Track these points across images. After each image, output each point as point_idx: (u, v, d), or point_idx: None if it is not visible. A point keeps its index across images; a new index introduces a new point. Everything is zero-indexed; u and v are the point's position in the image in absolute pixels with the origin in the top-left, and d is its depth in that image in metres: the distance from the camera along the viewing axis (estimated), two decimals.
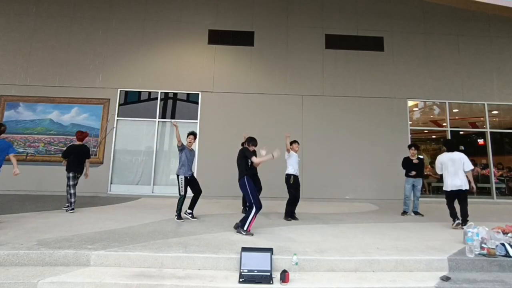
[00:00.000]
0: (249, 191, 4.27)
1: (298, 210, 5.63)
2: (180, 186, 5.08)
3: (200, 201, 5.34)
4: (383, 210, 6.70)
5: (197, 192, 5.21)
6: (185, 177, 5.09)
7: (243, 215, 5.45)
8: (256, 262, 3.07)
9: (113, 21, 8.81)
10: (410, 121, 8.77)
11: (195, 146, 7.86)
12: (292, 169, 5.43)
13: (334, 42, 8.96)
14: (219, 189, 7.75)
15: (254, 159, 4.45)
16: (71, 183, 5.67)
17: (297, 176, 5.50)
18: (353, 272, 3.21)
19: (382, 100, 8.75)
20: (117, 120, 8.39)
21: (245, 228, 4.14)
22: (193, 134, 5.34)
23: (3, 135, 4.78)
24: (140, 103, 8.62)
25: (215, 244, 3.62)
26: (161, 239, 3.78)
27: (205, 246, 3.52)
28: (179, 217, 5.07)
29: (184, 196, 5.11)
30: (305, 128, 8.50)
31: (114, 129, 8.33)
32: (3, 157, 4.57)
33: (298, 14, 9.07)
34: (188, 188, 5.19)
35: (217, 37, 8.82)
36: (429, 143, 11.12)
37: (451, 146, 5.19)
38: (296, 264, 3.05)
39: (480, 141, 9.21)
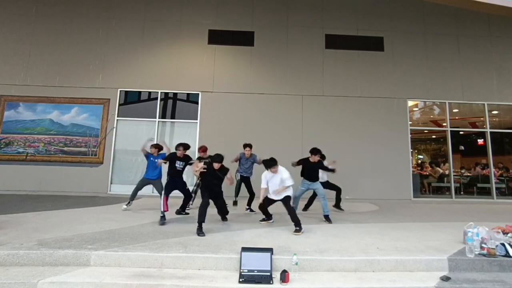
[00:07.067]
0: None
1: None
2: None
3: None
4: (383, 210, 6.69)
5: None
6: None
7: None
8: (256, 262, 3.07)
9: (113, 21, 8.81)
10: (410, 121, 8.75)
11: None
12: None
13: (334, 42, 8.96)
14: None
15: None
16: None
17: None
18: (353, 272, 3.21)
19: (382, 100, 8.75)
20: (117, 120, 8.39)
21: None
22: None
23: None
24: (140, 103, 8.62)
25: (215, 244, 3.62)
26: (161, 239, 3.77)
27: (205, 246, 3.52)
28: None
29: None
30: (305, 128, 8.49)
31: (114, 129, 8.33)
32: None
33: (298, 14, 9.07)
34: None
35: (217, 37, 8.82)
36: (429, 143, 11.13)
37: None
38: (296, 264, 3.05)
39: (480, 141, 9.21)
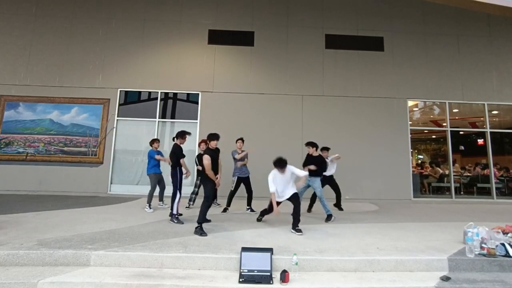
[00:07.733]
0: None
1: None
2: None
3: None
4: (383, 210, 6.70)
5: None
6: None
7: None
8: (256, 262, 3.07)
9: (113, 21, 8.81)
10: (410, 121, 8.75)
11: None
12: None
13: (334, 42, 8.96)
14: (219, 189, 7.72)
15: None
16: None
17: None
18: (353, 272, 3.21)
19: (382, 100, 8.75)
20: (117, 120, 8.39)
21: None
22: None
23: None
24: (140, 103, 8.62)
25: (215, 244, 3.62)
26: (161, 239, 3.77)
27: (205, 246, 3.52)
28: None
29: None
30: (305, 128, 8.50)
31: (114, 129, 8.33)
32: None
33: (298, 14, 9.07)
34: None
35: (217, 37, 8.82)
36: (429, 143, 11.13)
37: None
38: (296, 264, 3.05)
39: (480, 141, 9.21)
